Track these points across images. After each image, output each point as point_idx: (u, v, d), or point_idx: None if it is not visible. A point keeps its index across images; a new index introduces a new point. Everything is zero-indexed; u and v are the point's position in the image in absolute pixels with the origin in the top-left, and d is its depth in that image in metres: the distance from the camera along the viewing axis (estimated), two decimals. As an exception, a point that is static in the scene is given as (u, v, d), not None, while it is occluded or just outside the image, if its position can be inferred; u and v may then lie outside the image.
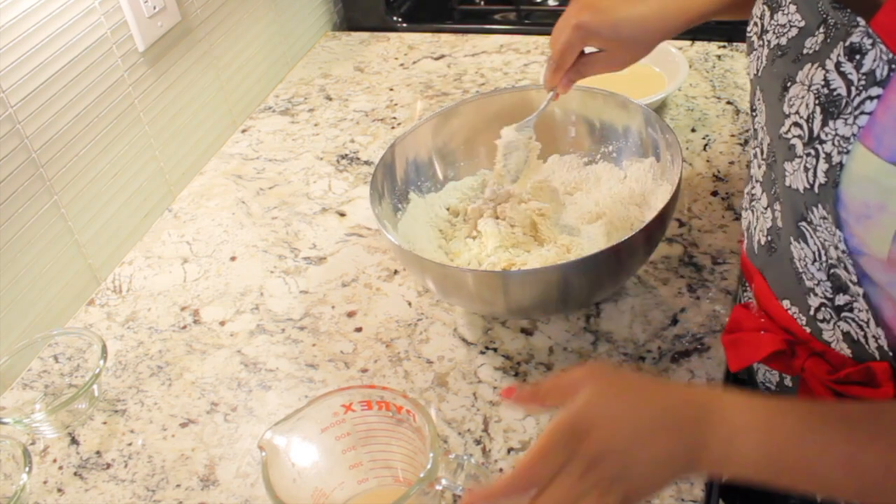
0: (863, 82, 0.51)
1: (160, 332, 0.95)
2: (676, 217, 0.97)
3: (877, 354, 0.60)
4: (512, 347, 0.85)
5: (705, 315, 0.85)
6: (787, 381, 0.72)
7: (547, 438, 0.54)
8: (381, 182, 0.89)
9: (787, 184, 0.59)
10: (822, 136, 0.54)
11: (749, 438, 0.54)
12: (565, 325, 0.86)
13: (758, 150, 0.66)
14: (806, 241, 0.60)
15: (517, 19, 1.47)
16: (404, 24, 1.49)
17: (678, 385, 0.72)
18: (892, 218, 0.50)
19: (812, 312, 0.64)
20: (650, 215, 0.80)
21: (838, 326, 0.62)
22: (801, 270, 0.62)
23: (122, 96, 1.03)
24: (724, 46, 1.27)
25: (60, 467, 0.81)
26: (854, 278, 0.57)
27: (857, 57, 0.51)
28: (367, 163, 1.17)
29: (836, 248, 0.56)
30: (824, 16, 0.55)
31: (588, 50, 0.84)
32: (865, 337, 0.60)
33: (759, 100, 0.65)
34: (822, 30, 0.56)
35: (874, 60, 0.50)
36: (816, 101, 0.55)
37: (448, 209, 0.96)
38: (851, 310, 0.60)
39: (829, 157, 0.53)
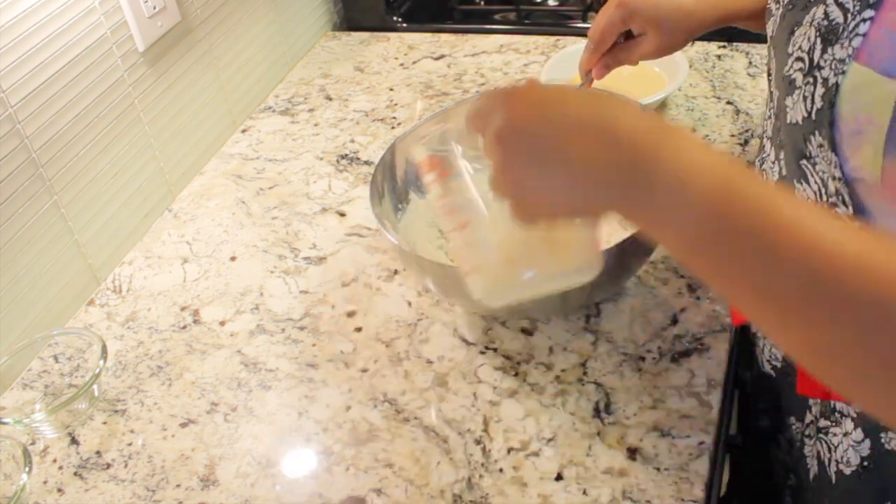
0: (857, 7, 0.53)
1: (160, 332, 0.95)
2: (676, 217, 0.97)
3: None
4: (512, 347, 0.85)
5: (705, 315, 0.85)
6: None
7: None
8: (381, 182, 0.89)
9: (789, 120, 0.60)
10: (821, 63, 0.56)
11: (702, 178, 0.45)
12: (565, 325, 0.86)
13: (771, 110, 0.68)
14: (807, 181, 0.61)
15: (517, 19, 1.47)
16: (404, 24, 1.49)
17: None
18: (879, 131, 0.51)
19: None
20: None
21: None
22: None
23: (122, 96, 1.03)
24: (724, 46, 1.27)
25: (60, 467, 0.81)
26: (851, 211, 0.58)
27: None
28: (367, 163, 1.17)
29: (834, 178, 0.57)
30: None
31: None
32: None
33: (771, 58, 0.66)
34: None
35: None
36: (817, 34, 0.57)
37: (448, 209, 0.96)
38: None
39: (825, 81, 0.55)
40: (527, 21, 1.47)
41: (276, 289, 0.98)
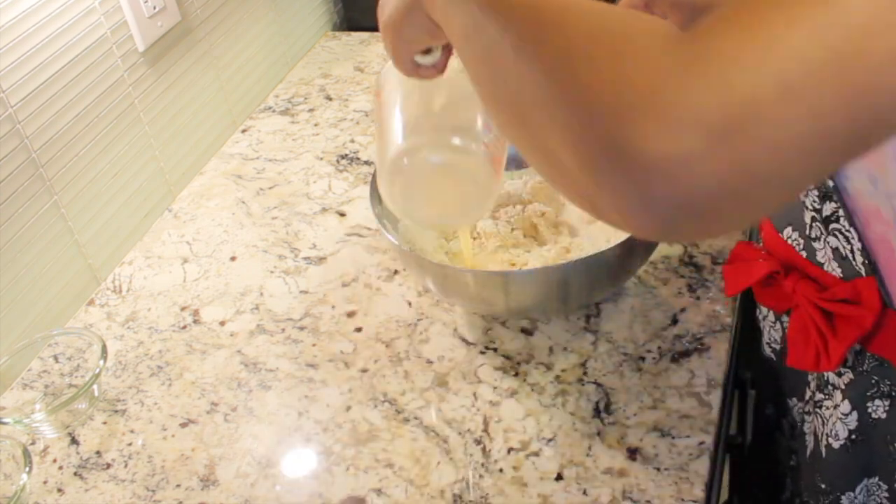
0: None
1: (160, 332, 0.95)
2: (676, 217, 0.97)
3: (863, 271, 0.64)
4: (512, 347, 0.85)
5: (705, 315, 0.85)
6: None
7: None
8: (381, 182, 0.89)
9: None
10: None
11: None
12: (565, 325, 0.86)
13: None
14: None
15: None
16: (404, 24, 1.49)
17: None
18: None
19: (808, 231, 0.67)
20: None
21: (828, 243, 0.66)
22: None
23: (122, 96, 1.03)
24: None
25: (60, 467, 0.81)
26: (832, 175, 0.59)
27: None
28: (367, 163, 1.17)
29: None
30: None
31: None
32: (852, 251, 0.64)
33: None
34: None
35: None
36: None
37: (448, 209, 0.96)
38: (837, 219, 0.64)
39: None
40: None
41: (276, 289, 0.98)
